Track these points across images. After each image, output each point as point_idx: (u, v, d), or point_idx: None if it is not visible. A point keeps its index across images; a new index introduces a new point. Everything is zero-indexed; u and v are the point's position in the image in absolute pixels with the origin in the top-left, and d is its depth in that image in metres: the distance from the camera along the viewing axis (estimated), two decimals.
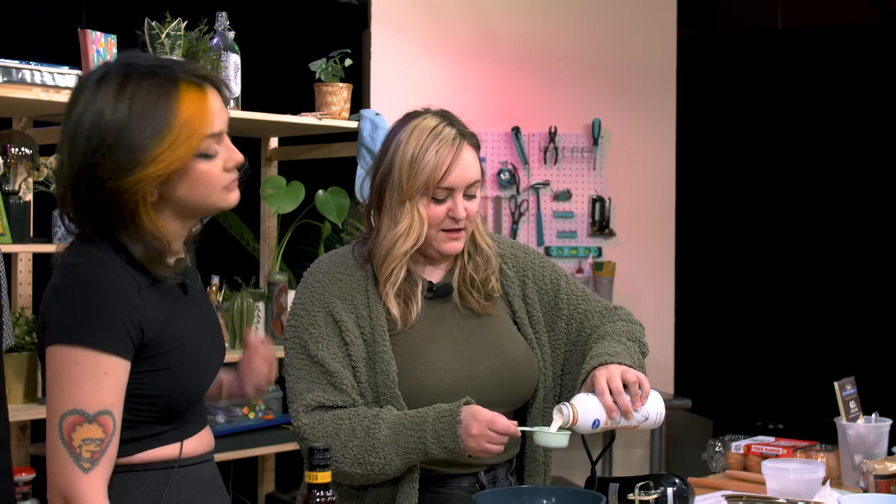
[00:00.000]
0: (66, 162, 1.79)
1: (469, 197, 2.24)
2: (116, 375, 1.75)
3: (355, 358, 2.21)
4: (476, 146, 2.27)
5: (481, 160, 2.30)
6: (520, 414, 2.36)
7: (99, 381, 1.73)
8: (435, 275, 2.33)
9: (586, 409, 2.12)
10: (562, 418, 2.11)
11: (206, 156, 1.82)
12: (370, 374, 2.21)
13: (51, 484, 1.75)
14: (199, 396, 1.94)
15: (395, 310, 2.23)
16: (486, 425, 2.09)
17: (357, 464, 2.15)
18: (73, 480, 1.72)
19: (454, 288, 2.31)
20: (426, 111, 2.28)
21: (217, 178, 1.85)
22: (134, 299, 1.77)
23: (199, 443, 1.94)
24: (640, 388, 2.14)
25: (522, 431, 2.17)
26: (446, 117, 2.26)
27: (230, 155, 1.86)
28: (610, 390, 2.12)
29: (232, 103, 3.63)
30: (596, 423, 2.12)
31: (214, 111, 1.83)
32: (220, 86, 1.87)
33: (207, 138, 1.81)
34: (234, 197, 1.89)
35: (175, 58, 1.92)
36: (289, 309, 2.47)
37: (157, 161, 1.76)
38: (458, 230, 2.25)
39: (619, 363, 2.18)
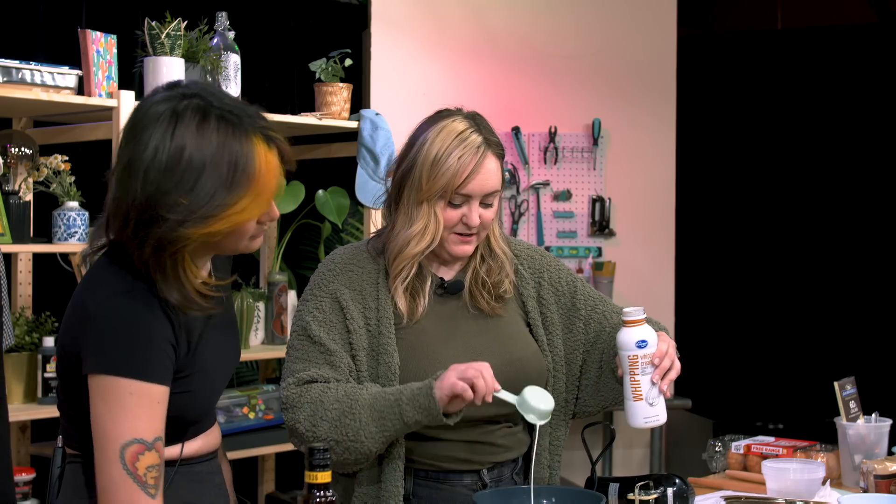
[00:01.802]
0: (130, 189, 1.73)
1: (486, 205, 2.24)
2: (165, 402, 1.78)
3: (356, 347, 2.20)
4: (500, 155, 2.26)
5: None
6: None
7: (153, 409, 1.76)
8: (447, 274, 2.33)
9: (650, 329, 2.14)
10: (634, 308, 2.13)
11: None
12: (372, 365, 2.21)
13: None
14: (208, 412, 1.96)
15: (401, 303, 2.23)
16: (467, 365, 2.07)
17: (334, 427, 2.11)
18: None
19: (465, 286, 2.31)
20: (458, 111, 2.26)
21: (251, 230, 1.84)
22: (172, 327, 1.79)
23: (202, 443, 1.95)
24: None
25: (500, 399, 2.12)
26: (476, 122, 2.25)
27: (270, 212, 1.85)
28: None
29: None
30: (643, 344, 2.12)
31: (279, 173, 1.81)
32: (283, 147, 1.83)
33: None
34: (256, 244, 1.88)
35: (240, 100, 1.84)
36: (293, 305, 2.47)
37: (226, 218, 1.75)
38: (470, 235, 2.25)
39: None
